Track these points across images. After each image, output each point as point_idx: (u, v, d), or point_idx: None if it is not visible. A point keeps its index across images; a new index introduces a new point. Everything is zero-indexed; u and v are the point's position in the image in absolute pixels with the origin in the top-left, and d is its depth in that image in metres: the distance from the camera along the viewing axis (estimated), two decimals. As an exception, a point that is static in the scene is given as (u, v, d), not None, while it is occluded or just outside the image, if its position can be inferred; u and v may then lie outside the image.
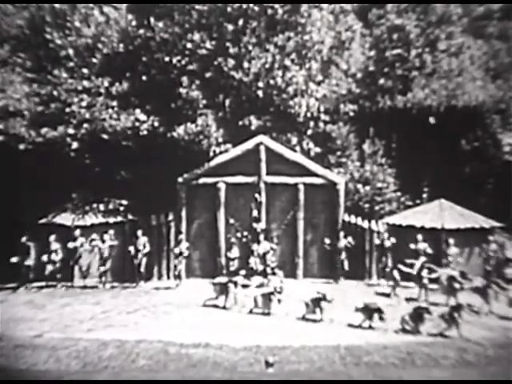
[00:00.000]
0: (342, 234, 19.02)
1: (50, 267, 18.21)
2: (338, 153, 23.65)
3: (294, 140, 21.43)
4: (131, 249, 18.54)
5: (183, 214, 19.71)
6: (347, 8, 24.23)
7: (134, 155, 20.46)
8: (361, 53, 25.52)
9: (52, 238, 18.44)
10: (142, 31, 20.90)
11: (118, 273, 19.27)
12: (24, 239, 18.18)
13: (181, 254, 18.49)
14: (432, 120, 23.44)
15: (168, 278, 19.62)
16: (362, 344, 12.71)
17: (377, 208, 22.24)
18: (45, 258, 18.11)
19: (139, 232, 18.82)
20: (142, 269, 18.67)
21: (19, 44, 22.38)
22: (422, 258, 17.28)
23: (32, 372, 11.25)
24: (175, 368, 11.44)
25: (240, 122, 20.81)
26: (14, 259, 17.80)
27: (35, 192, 19.36)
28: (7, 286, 18.11)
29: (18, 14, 22.51)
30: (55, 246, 18.35)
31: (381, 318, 13.81)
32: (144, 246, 18.70)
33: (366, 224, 19.70)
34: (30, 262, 18.15)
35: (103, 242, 18.66)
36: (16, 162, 19.89)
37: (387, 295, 16.97)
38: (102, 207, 20.12)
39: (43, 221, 19.39)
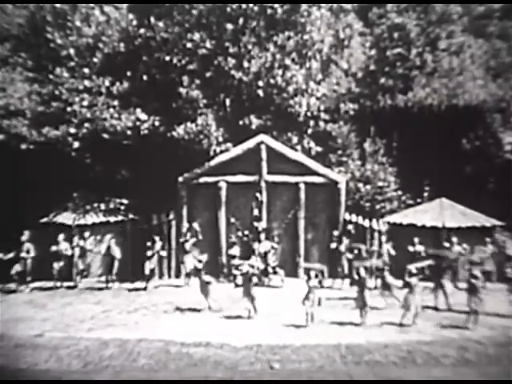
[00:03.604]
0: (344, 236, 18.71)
1: (51, 266, 18.13)
2: (339, 152, 23.62)
3: (295, 139, 21.43)
4: (149, 253, 18.25)
5: (184, 213, 19.72)
6: (347, 7, 24.22)
7: (135, 154, 20.50)
8: (361, 52, 25.52)
9: (60, 237, 18.28)
10: (142, 31, 20.95)
11: (119, 272, 19.22)
12: (23, 238, 18.01)
13: (187, 252, 18.53)
14: None
15: (169, 276, 19.65)
16: (363, 343, 12.71)
17: (378, 207, 22.23)
18: (46, 257, 18.05)
19: (157, 238, 18.66)
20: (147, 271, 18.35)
21: (20, 43, 22.46)
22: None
23: (33, 371, 11.26)
24: (176, 367, 11.44)
25: (240, 122, 20.82)
26: (10, 255, 17.60)
27: (36, 191, 19.39)
28: (7, 286, 18.03)
29: (19, 13, 22.56)
30: (57, 245, 18.27)
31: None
32: (162, 248, 18.74)
33: (366, 223, 19.68)
34: (29, 261, 18.00)
35: (109, 247, 18.46)
36: (17, 162, 19.92)
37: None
38: (102, 206, 20.16)
39: (44, 220, 19.41)
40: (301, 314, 14.72)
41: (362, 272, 14.42)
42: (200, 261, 16.90)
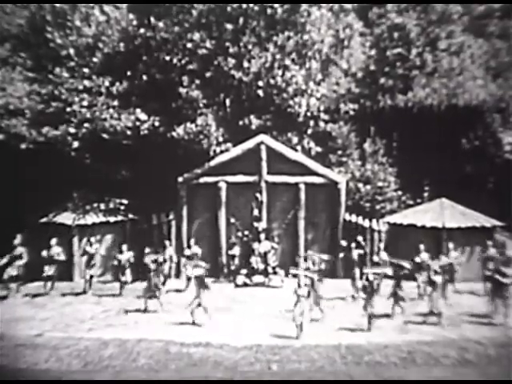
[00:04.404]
0: (353, 244, 17.89)
1: (50, 267, 17.88)
2: (339, 152, 23.66)
3: (295, 139, 21.44)
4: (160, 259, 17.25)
5: (184, 213, 19.72)
6: (347, 7, 24.22)
7: (135, 154, 20.50)
8: (361, 52, 25.54)
9: (53, 241, 17.83)
10: (142, 31, 20.95)
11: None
12: (16, 242, 17.35)
13: (190, 257, 18.35)
14: None
15: (169, 277, 19.59)
16: (363, 343, 12.71)
17: (378, 207, 22.24)
18: (45, 257, 17.84)
19: (167, 242, 18.37)
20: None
21: (20, 43, 22.45)
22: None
23: (33, 371, 11.25)
24: (176, 367, 11.43)
25: (240, 122, 20.83)
26: (4, 260, 16.95)
27: (36, 191, 19.37)
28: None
29: (19, 13, 22.56)
30: (49, 249, 17.77)
31: None
32: (170, 257, 18.32)
33: (366, 223, 19.67)
34: (21, 266, 17.39)
35: (121, 252, 17.76)
36: (17, 162, 19.91)
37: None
38: (102, 206, 20.15)
39: (44, 220, 19.38)
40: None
41: (371, 277, 14.16)
42: (155, 261, 16.25)
